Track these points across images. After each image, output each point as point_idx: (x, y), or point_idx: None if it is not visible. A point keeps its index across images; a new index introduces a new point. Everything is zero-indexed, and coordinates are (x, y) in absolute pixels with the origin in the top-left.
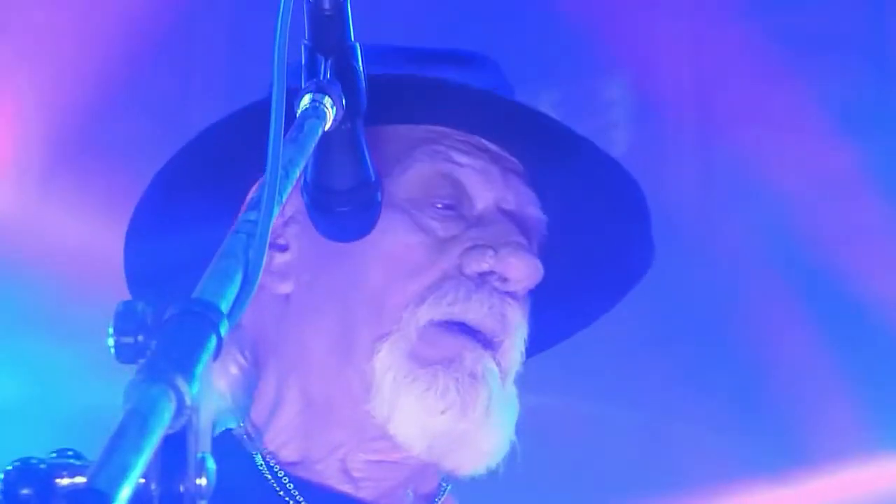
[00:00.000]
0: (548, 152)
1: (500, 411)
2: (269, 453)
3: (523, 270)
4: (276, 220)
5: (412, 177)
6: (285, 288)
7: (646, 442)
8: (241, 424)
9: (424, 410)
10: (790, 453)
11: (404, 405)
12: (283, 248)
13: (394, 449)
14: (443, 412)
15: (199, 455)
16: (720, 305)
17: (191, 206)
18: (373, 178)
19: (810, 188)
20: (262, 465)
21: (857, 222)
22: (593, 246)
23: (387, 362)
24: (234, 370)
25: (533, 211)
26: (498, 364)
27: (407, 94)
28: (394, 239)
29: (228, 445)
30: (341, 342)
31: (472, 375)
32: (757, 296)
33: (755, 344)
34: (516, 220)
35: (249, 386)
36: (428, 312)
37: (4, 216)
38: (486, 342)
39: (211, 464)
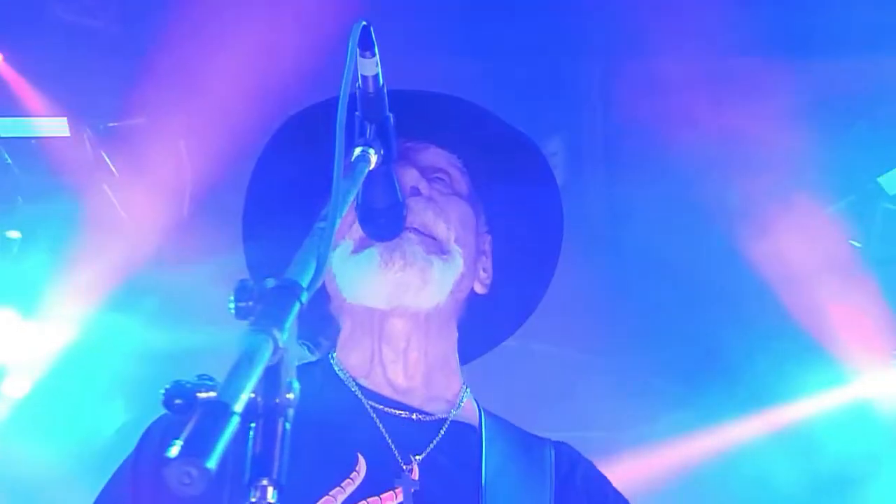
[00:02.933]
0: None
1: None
2: (346, 372)
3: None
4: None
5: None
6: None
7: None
8: (333, 354)
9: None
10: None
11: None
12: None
13: (383, 329)
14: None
15: (289, 380)
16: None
17: (283, 215)
18: (400, 200)
19: None
20: (343, 376)
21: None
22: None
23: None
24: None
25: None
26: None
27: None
28: None
29: (325, 366)
30: None
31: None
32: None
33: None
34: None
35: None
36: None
37: None
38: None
39: (296, 385)
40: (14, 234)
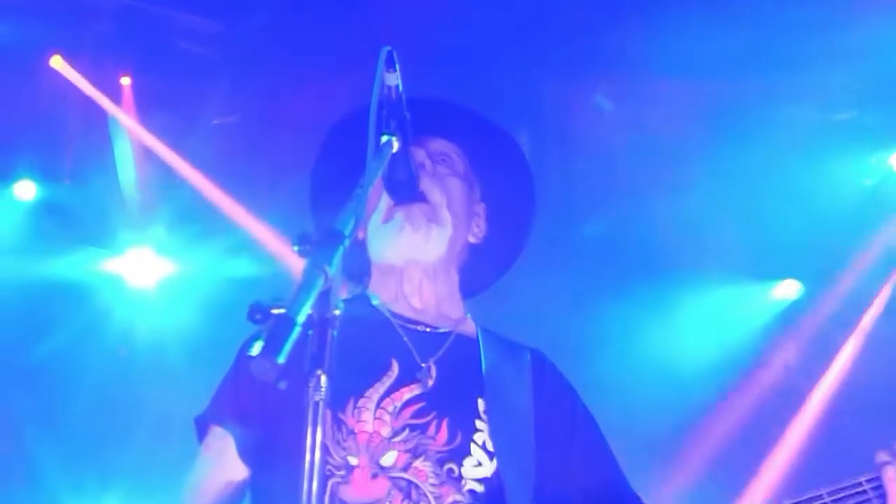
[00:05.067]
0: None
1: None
2: (379, 301)
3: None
4: None
5: None
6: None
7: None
8: (368, 291)
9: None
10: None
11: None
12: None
13: (403, 275)
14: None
15: (335, 301)
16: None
17: (335, 184)
18: (414, 174)
19: None
20: (377, 304)
21: None
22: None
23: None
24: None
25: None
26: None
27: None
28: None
29: (364, 299)
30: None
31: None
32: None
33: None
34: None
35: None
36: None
37: None
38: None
39: (341, 305)
40: (146, 199)
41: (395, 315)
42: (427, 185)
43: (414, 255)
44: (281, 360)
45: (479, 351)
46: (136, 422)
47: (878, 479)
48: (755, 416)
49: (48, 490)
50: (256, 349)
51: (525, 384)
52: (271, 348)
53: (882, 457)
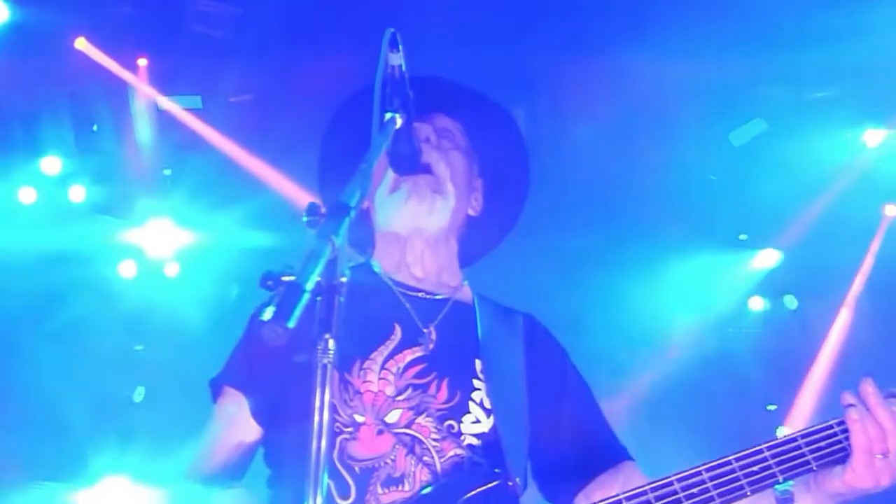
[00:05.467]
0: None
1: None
2: (382, 270)
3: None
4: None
5: None
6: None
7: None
8: (372, 260)
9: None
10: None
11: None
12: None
13: (406, 245)
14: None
15: (342, 269)
16: None
17: (342, 158)
18: (417, 147)
19: None
20: (380, 272)
21: None
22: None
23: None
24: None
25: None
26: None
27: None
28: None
29: (367, 267)
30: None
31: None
32: None
33: None
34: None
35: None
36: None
37: None
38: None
39: (348, 273)
40: (167, 172)
41: (396, 283)
42: (433, 157)
43: (418, 225)
44: (291, 324)
45: (476, 316)
46: (156, 385)
47: (820, 431)
48: (735, 378)
49: (71, 446)
50: (268, 314)
51: (518, 347)
52: (281, 314)
53: (847, 399)
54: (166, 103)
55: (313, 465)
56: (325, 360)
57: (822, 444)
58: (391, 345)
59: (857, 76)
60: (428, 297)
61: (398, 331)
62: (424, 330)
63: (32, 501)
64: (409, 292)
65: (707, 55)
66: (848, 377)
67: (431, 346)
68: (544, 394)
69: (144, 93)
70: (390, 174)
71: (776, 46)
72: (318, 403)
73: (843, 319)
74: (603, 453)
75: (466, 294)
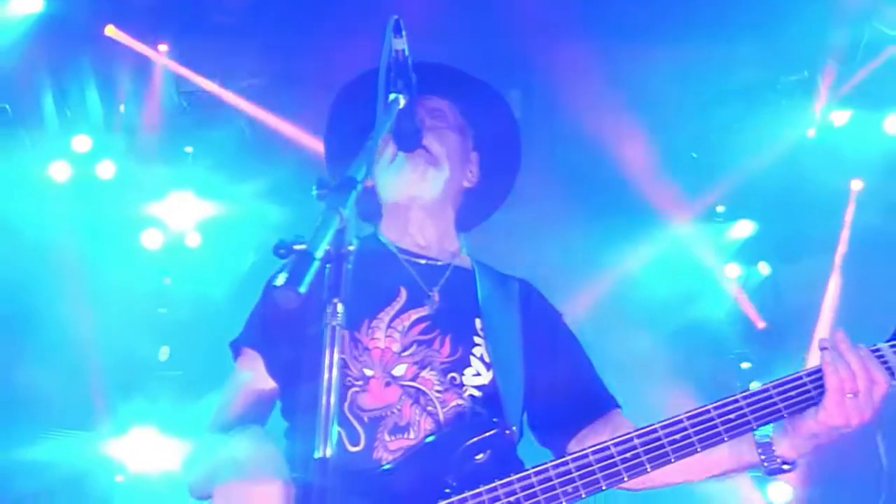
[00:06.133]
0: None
1: (419, 171)
2: (387, 239)
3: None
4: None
5: None
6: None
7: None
8: (378, 230)
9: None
10: None
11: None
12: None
13: (408, 214)
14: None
15: (349, 238)
16: None
17: (348, 136)
18: (418, 127)
19: None
20: (385, 241)
21: None
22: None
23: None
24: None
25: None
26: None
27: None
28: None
29: (375, 237)
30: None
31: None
32: None
33: None
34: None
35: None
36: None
37: None
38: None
39: (355, 241)
40: (188, 149)
41: (401, 250)
42: (428, 138)
43: (411, 192)
44: (302, 289)
45: (475, 280)
46: (179, 345)
47: (817, 371)
48: (711, 338)
49: (101, 400)
50: (280, 280)
51: (514, 307)
52: (293, 279)
53: (822, 343)
54: (188, 85)
55: (323, 418)
56: (334, 323)
57: (792, 392)
58: (397, 306)
59: (826, 62)
60: (431, 262)
61: (403, 293)
62: (429, 293)
63: (64, 448)
64: (412, 258)
65: (689, 38)
66: (817, 335)
67: (435, 307)
68: (538, 350)
69: (168, 75)
70: (390, 149)
71: (753, 31)
72: (326, 362)
73: (819, 283)
74: (593, 403)
75: (465, 261)
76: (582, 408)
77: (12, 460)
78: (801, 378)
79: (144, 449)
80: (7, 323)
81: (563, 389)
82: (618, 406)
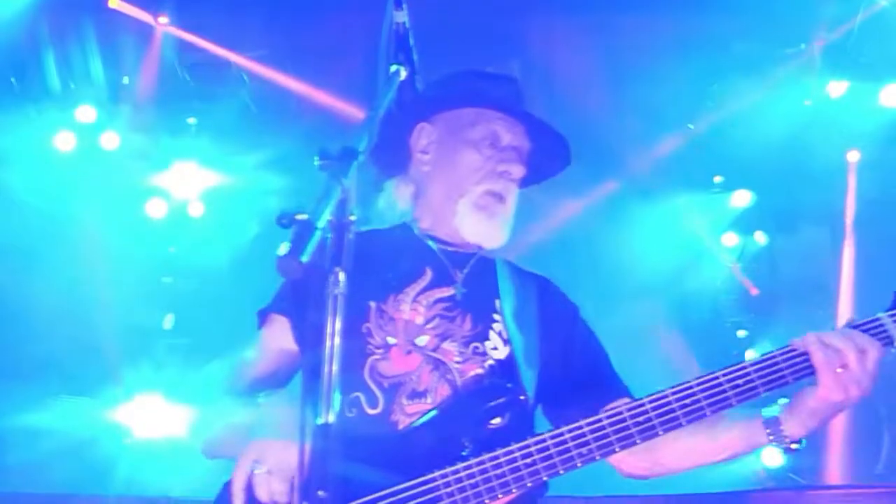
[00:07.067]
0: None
1: (504, 224)
2: (419, 228)
3: (515, 174)
4: (422, 141)
5: (477, 129)
6: (427, 168)
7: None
8: (413, 217)
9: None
10: None
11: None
12: (426, 152)
13: (458, 236)
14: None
15: (350, 211)
16: None
17: None
18: (419, 97)
19: None
20: (417, 231)
21: None
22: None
23: (462, 206)
24: (408, 193)
25: (523, 142)
26: (505, 204)
27: (471, 89)
28: (468, 157)
29: (405, 226)
30: (447, 195)
31: (495, 213)
32: None
33: None
34: (516, 149)
35: (416, 200)
36: (482, 187)
37: None
38: (502, 199)
39: (357, 211)
40: (191, 120)
41: (431, 237)
42: (508, 190)
43: (480, 241)
44: (304, 259)
45: (496, 269)
46: (184, 313)
47: (791, 351)
48: (709, 306)
49: (107, 366)
50: (283, 250)
51: (532, 297)
52: (296, 249)
53: (795, 343)
54: (190, 57)
55: (325, 385)
56: (337, 292)
57: (798, 359)
58: (422, 283)
59: (823, 35)
60: (459, 250)
61: (429, 273)
62: (455, 277)
63: (71, 414)
64: (441, 245)
65: (687, 12)
66: (811, 303)
67: (459, 289)
68: (554, 337)
69: (170, 46)
70: (478, 189)
71: (750, 3)
72: (329, 331)
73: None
74: (606, 391)
75: (488, 253)
76: (594, 394)
77: (19, 426)
78: (777, 363)
79: (150, 415)
80: (13, 291)
81: (577, 376)
82: (630, 396)
